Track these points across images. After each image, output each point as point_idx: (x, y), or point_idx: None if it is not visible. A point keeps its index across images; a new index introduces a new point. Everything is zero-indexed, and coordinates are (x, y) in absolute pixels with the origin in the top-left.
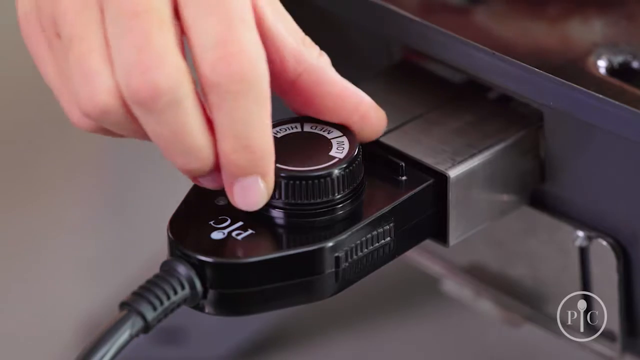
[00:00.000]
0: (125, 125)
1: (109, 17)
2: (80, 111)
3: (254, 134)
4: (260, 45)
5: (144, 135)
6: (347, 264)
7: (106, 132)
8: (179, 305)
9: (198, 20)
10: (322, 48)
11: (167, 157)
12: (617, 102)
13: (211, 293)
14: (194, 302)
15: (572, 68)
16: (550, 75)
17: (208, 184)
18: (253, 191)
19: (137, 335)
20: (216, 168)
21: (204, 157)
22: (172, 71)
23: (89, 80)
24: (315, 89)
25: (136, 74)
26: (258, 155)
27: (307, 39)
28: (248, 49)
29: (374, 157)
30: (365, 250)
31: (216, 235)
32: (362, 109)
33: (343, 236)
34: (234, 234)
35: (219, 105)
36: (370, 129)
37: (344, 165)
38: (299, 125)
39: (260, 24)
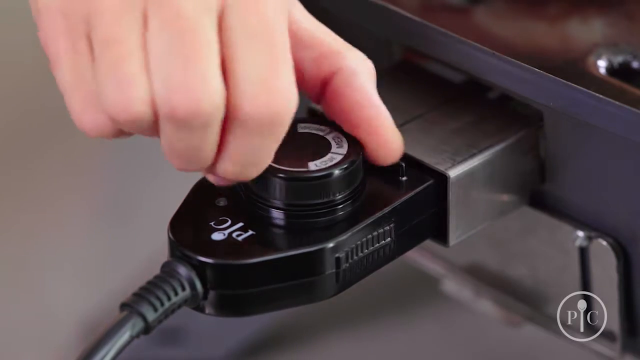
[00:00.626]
0: (144, 130)
1: (154, 25)
2: (108, 116)
3: (260, 165)
4: (295, 86)
5: (151, 135)
6: (347, 265)
7: (118, 133)
8: (179, 306)
9: (243, 49)
10: None
11: (169, 159)
12: (617, 102)
13: (212, 294)
14: (195, 303)
15: (572, 68)
16: (550, 75)
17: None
18: None
19: (137, 336)
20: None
21: (205, 166)
22: (214, 94)
23: (124, 87)
24: (345, 91)
25: (179, 92)
26: (253, 175)
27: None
28: (287, 90)
29: None
30: (366, 250)
31: (217, 236)
32: (382, 130)
33: (343, 237)
34: (234, 234)
35: (240, 135)
36: (385, 152)
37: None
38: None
39: (300, 27)
